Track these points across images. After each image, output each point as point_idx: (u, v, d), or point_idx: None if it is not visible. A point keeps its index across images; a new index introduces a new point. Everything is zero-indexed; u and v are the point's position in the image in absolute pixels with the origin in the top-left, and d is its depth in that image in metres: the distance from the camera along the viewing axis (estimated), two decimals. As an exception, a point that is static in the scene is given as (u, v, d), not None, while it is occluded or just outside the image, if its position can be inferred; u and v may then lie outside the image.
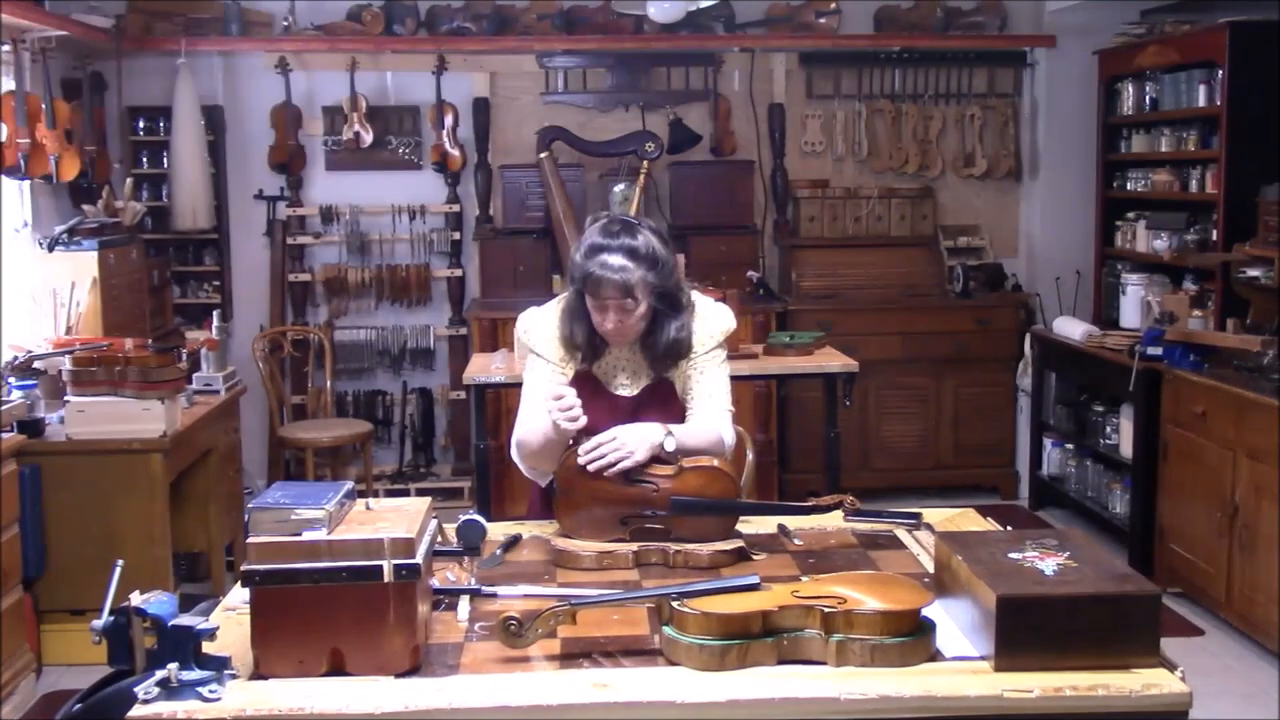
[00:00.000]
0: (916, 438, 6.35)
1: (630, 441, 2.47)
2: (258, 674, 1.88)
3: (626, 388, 2.72)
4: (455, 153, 6.34)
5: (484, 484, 4.81)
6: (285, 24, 6.27)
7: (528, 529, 2.64)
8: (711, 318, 2.75)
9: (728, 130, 6.55)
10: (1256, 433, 4.30)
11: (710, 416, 2.69)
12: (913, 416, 6.34)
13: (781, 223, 6.60)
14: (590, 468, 2.45)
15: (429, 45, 6.27)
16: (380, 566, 1.87)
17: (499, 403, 5.55)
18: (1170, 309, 5.19)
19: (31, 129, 4.95)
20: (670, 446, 2.50)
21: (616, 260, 2.54)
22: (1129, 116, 6.01)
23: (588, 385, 2.67)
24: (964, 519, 2.67)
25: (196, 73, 6.12)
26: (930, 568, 2.29)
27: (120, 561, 2.07)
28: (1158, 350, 4.97)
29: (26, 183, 5.31)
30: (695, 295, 2.77)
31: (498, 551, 2.47)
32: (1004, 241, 6.81)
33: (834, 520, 2.64)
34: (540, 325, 2.77)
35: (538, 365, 2.75)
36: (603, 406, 2.62)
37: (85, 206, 5.56)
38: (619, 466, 2.45)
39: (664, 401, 2.71)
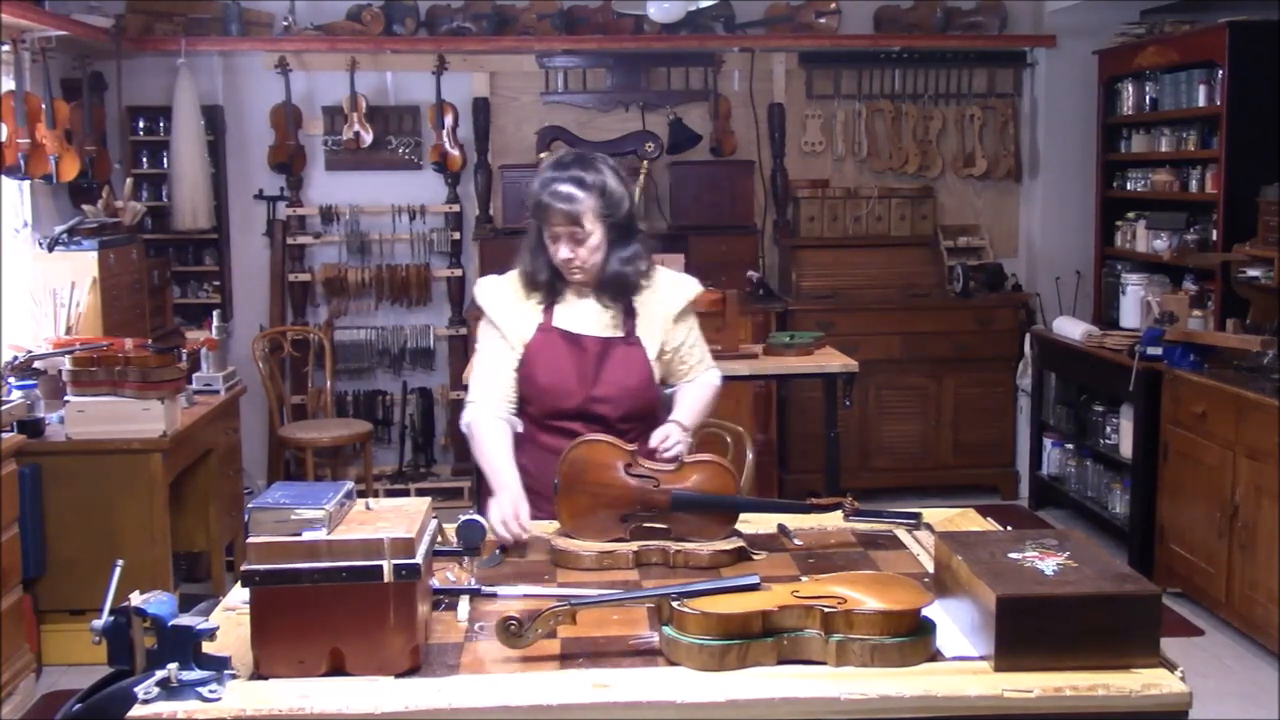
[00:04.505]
0: (916, 438, 6.35)
1: (676, 433, 2.72)
2: (258, 674, 1.88)
3: (594, 332, 2.80)
4: (455, 153, 6.33)
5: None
6: (285, 24, 6.27)
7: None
8: (683, 283, 2.91)
9: (728, 130, 6.55)
10: (1256, 433, 4.30)
11: (704, 375, 2.92)
12: (913, 416, 6.34)
13: (781, 223, 6.59)
14: (669, 454, 2.64)
15: (429, 45, 6.27)
16: (380, 566, 1.87)
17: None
18: (1170, 309, 5.19)
19: (31, 129, 4.95)
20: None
21: (565, 189, 2.70)
22: (1129, 116, 6.01)
23: (556, 336, 2.78)
24: (964, 519, 2.67)
25: (196, 73, 6.12)
26: (930, 568, 2.29)
27: (120, 561, 2.07)
28: (1158, 350, 4.97)
29: (26, 183, 5.31)
30: (659, 267, 2.88)
31: (498, 551, 2.47)
32: (1004, 241, 6.81)
33: (834, 520, 2.64)
34: (496, 288, 2.87)
35: (489, 334, 2.85)
36: (572, 352, 2.77)
37: (85, 206, 5.55)
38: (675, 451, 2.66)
39: (628, 356, 2.79)
